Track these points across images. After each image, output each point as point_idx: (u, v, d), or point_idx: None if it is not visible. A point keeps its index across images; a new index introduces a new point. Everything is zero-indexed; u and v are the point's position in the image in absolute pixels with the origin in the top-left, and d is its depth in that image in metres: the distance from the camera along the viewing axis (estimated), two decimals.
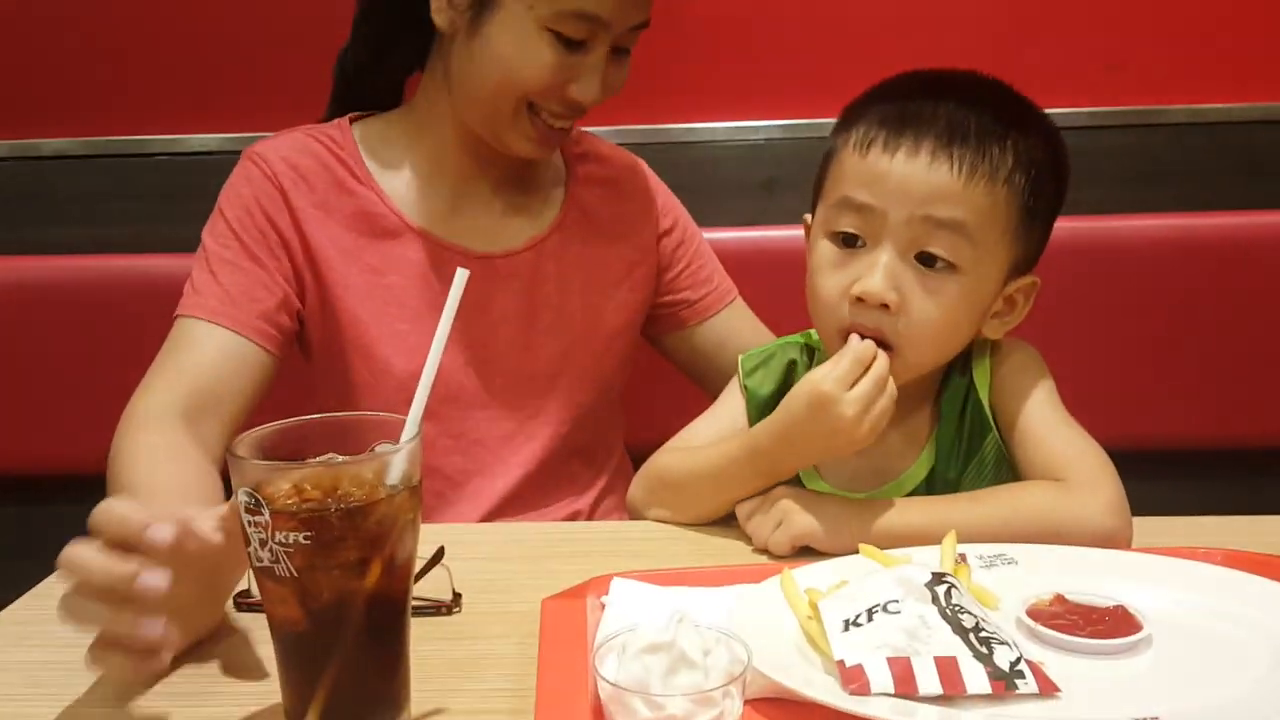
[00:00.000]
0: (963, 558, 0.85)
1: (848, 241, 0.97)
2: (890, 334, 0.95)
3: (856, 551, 0.84)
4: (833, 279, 0.97)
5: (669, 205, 1.37)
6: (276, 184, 1.19)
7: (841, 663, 0.69)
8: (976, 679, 0.68)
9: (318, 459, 0.66)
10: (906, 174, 0.93)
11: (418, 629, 0.71)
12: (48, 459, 1.71)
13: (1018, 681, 0.67)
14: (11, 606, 0.93)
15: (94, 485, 1.67)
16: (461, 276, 0.72)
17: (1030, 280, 1.02)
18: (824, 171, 1.02)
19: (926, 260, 0.94)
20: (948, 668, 0.68)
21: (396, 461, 0.65)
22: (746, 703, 0.67)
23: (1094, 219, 1.62)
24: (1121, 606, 0.77)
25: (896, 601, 0.74)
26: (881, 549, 0.83)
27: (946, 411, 1.04)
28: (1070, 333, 1.60)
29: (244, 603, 0.87)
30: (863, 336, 0.95)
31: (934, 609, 0.73)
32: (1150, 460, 1.62)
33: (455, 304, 0.71)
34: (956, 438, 1.04)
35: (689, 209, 1.41)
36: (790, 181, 1.66)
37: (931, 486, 1.04)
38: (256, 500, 0.62)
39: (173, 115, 1.74)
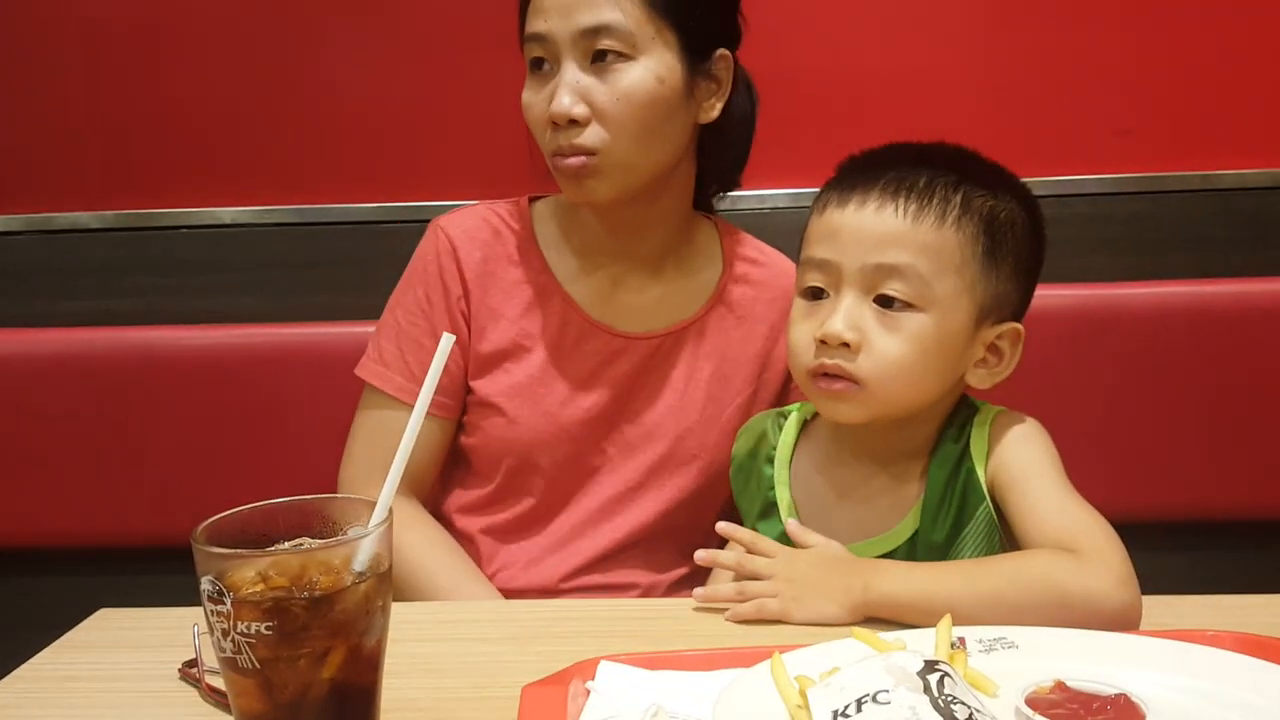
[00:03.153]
0: (961, 642, 0.82)
1: (815, 295, 1.02)
2: (855, 371, 0.99)
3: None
4: (801, 328, 1.03)
5: None
6: (453, 252, 1.28)
7: None
8: None
9: (288, 544, 0.65)
10: (857, 224, 0.99)
11: (388, 716, 0.69)
12: (53, 533, 1.71)
13: None
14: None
15: (99, 557, 1.70)
16: (447, 341, 0.71)
17: (1012, 327, 1.03)
18: (804, 229, 1.07)
19: (885, 302, 0.99)
20: None
21: (365, 546, 0.64)
22: None
23: (1104, 286, 1.61)
24: (1124, 695, 0.74)
25: (887, 691, 0.71)
26: (883, 613, 0.83)
27: (934, 476, 1.04)
28: (1078, 399, 1.58)
29: (191, 677, 0.85)
30: (832, 375, 1.00)
31: (925, 699, 0.70)
32: (1158, 531, 1.58)
33: (437, 371, 0.70)
34: (944, 504, 1.03)
35: None
36: (796, 251, 1.65)
37: (914, 550, 1.03)
38: (219, 589, 0.60)
39: (186, 189, 1.77)
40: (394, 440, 1.25)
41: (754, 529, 1.12)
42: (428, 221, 1.33)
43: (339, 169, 1.73)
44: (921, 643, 0.79)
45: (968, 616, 0.84)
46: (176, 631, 0.94)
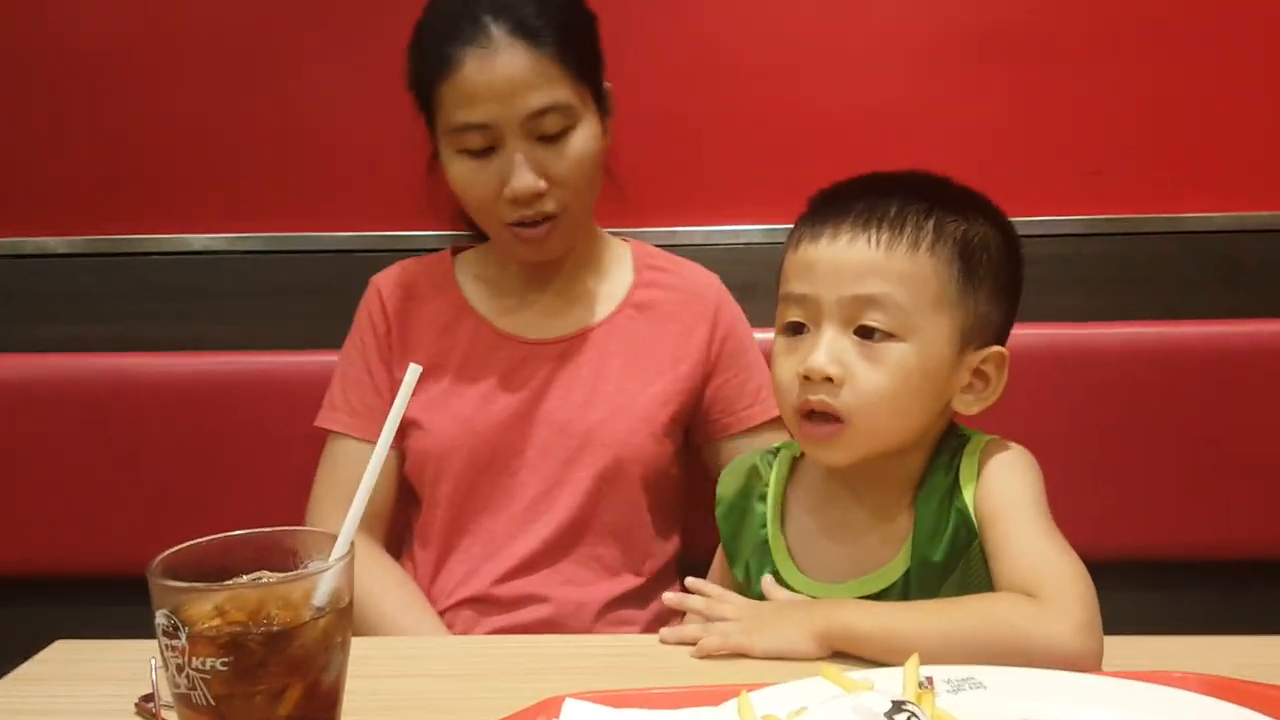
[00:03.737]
0: (929, 681, 0.81)
1: (795, 330, 1.02)
2: (840, 407, 0.98)
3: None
4: (785, 365, 1.02)
5: (730, 316, 1.43)
6: (379, 298, 1.40)
7: None
8: None
9: (247, 577, 0.64)
10: (831, 257, 0.99)
11: None
12: (11, 561, 1.68)
13: None
14: None
15: (58, 587, 1.66)
16: (413, 373, 0.72)
17: (996, 351, 1.03)
18: (780, 265, 1.07)
19: (865, 333, 0.98)
20: None
21: (326, 580, 0.63)
22: None
23: (1073, 326, 1.61)
24: None
25: None
26: (844, 645, 0.84)
27: (921, 510, 1.03)
28: (1047, 440, 1.56)
29: (148, 712, 0.84)
30: (814, 412, 0.99)
31: None
32: (1126, 571, 1.58)
33: (404, 400, 0.70)
34: (935, 538, 1.01)
35: None
36: (771, 286, 1.65)
37: (908, 588, 1.02)
38: (175, 624, 0.59)
39: (156, 215, 1.75)
40: (349, 473, 1.29)
41: (745, 569, 1.12)
42: (401, 251, 1.41)
43: (312, 196, 1.72)
44: (889, 682, 0.79)
45: (928, 654, 0.83)
46: (134, 664, 0.92)
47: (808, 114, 1.69)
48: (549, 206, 1.26)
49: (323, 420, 1.39)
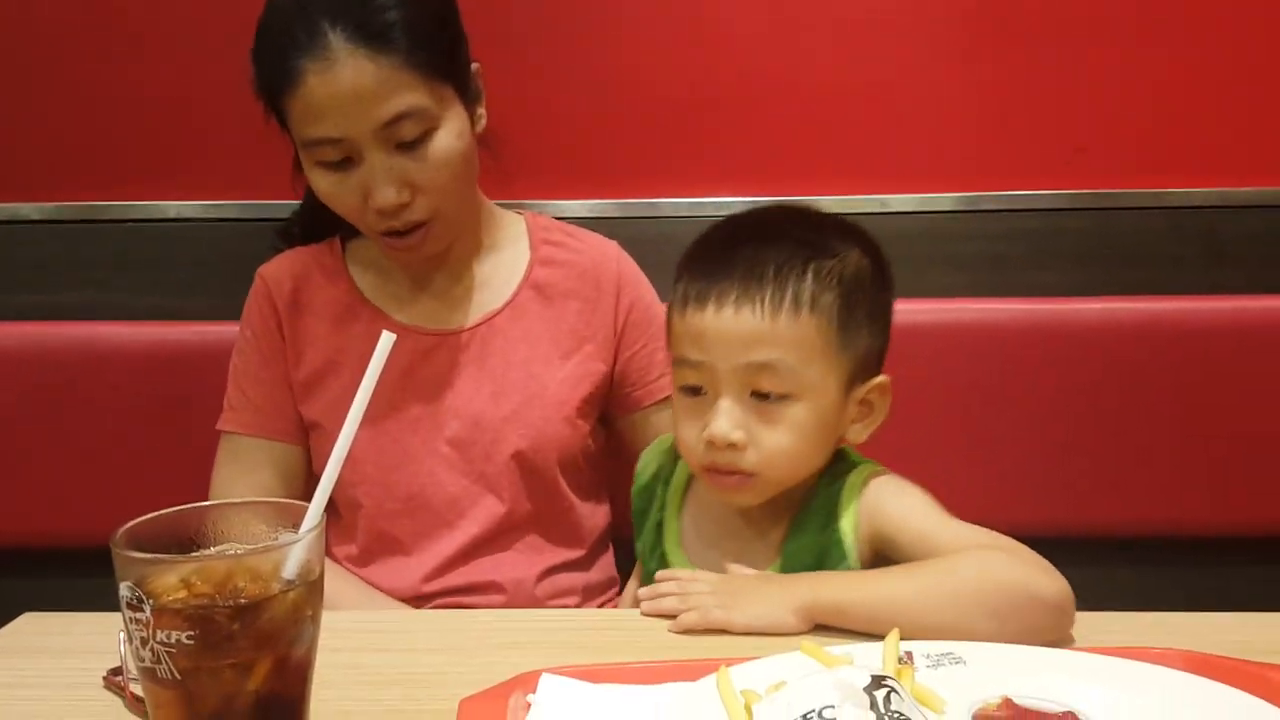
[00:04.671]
0: (908, 657, 0.81)
1: (694, 391, 1.04)
2: (747, 467, 1.02)
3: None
4: (688, 426, 1.05)
5: (633, 286, 1.38)
6: (266, 291, 1.33)
7: None
8: None
9: (214, 549, 0.62)
10: (719, 328, 1.01)
11: None
12: None
13: None
14: None
15: (26, 559, 1.64)
16: (386, 340, 0.69)
17: (880, 381, 1.07)
18: (668, 323, 1.08)
19: (762, 395, 1.01)
20: None
21: (296, 552, 0.61)
22: None
23: (1054, 301, 1.61)
24: (1071, 713, 0.73)
25: (832, 707, 0.69)
26: (829, 618, 0.85)
27: (797, 529, 1.07)
28: (1027, 414, 1.58)
29: (116, 685, 0.82)
30: (724, 472, 1.03)
31: (871, 715, 0.69)
32: (1105, 547, 1.59)
33: (377, 370, 0.68)
34: (805, 554, 1.05)
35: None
36: None
37: None
38: (138, 596, 0.58)
39: (130, 182, 1.72)
40: (262, 478, 1.28)
41: (642, 547, 1.17)
42: None
43: (288, 164, 1.69)
44: (869, 658, 0.78)
45: (912, 616, 0.86)
46: (103, 637, 0.91)
47: (793, 88, 1.67)
48: (416, 215, 1.19)
49: (225, 423, 1.32)
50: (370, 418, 1.24)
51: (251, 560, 0.61)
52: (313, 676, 0.64)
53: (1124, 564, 1.60)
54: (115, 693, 0.84)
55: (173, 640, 0.57)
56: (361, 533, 1.30)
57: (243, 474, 1.30)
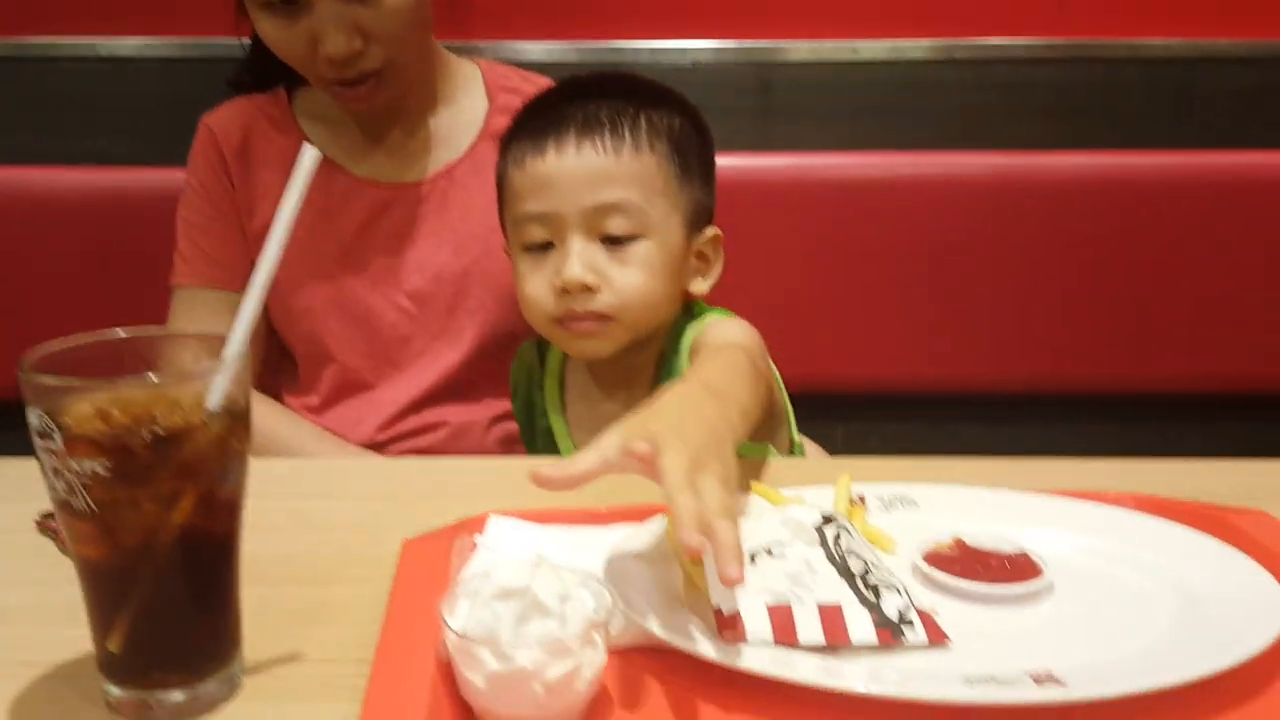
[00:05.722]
0: (861, 499, 0.80)
1: (542, 248, 1.03)
2: (602, 308, 1.01)
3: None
4: (536, 280, 1.04)
5: None
6: (214, 140, 1.28)
7: (718, 610, 0.63)
8: (861, 628, 0.63)
9: (130, 379, 0.59)
10: (563, 169, 1.01)
11: (262, 570, 0.64)
12: None
13: (905, 631, 0.63)
14: None
15: None
16: (308, 155, 0.65)
17: (714, 233, 1.08)
18: (500, 199, 1.08)
19: (612, 240, 1.01)
20: (831, 616, 0.63)
21: (219, 383, 0.58)
22: (613, 653, 0.61)
23: (1023, 154, 1.59)
24: (1024, 553, 0.72)
25: (782, 544, 0.69)
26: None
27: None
28: (995, 268, 1.57)
29: (49, 529, 0.80)
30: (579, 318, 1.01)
31: (821, 552, 0.68)
32: (1071, 403, 1.60)
33: (299, 188, 0.64)
34: None
35: None
36: (722, 109, 1.59)
37: None
38: (47, 425, 0.54)
39: (61, 16, 1.63)
40: (213, 327, 1.19)
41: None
42: None
43: None
44: (821, 498, 0.77)
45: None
46: (35, 481, 0.87)
47: None
48: (369, 64, 1.15)
49: (179, 276, 1.28)
50: (328, 272, 1.26)
51: (171, 390, 0.57)
52: (242, 516, 0.62)
53: (1095, 420, 1.61)
54: (49, 536, 0.82)
55: (88, 470, 0.54)
56: (321, 383, 1.29)
57: (200, 328, 1.26)
